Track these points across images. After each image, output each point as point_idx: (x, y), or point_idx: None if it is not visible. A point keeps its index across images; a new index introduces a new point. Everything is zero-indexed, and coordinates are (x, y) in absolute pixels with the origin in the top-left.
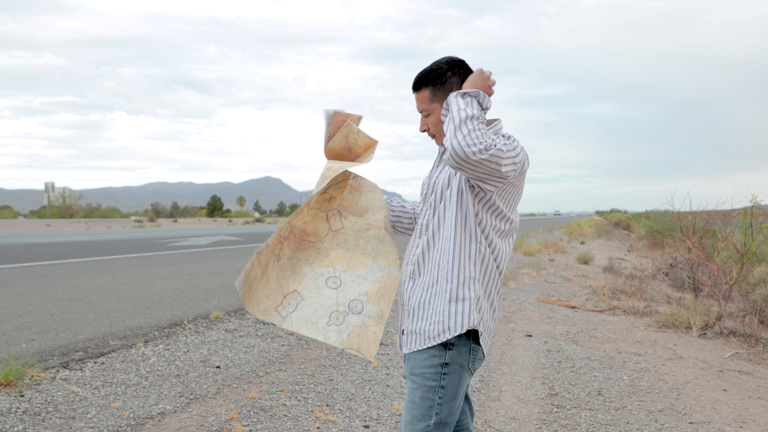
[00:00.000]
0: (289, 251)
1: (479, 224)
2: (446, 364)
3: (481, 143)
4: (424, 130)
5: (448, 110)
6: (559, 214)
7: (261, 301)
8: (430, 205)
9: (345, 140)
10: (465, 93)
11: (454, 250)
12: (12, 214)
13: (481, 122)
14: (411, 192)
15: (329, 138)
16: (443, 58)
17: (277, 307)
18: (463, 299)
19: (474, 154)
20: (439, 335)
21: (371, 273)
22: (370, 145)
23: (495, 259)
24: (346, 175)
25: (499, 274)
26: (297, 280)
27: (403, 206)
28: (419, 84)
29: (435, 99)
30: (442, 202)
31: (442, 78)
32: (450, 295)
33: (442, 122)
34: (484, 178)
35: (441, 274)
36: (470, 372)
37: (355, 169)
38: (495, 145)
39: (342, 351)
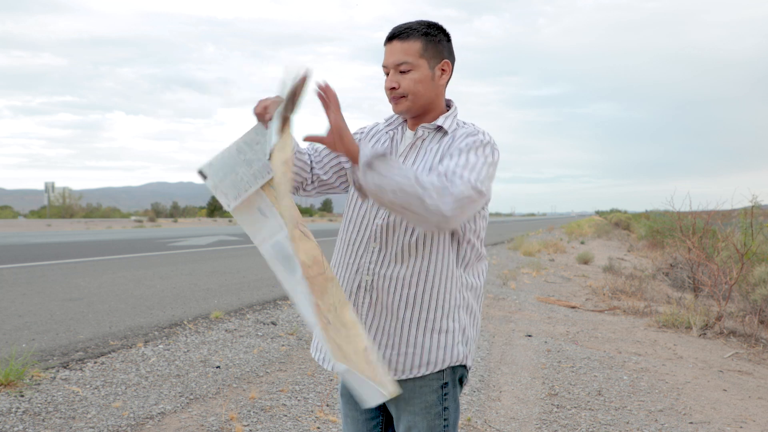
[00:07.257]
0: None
1: (473, 233)
2: (445, 384)
3: (463, 192)
4: (392, 88)
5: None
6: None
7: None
8: None
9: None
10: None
11: (438, 272)
12: (12, 214)
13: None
14: None
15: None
16: (426, 20)
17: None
18: (446, 331)
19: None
20: (413, 369)
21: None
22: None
23: (483, 274)
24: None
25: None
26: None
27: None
28: (409, 33)
29: (424, 55)
30: None
31: (436, 37)
32: (432, 326)
33: (423, 84)
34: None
35: (417, 300)
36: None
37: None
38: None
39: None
